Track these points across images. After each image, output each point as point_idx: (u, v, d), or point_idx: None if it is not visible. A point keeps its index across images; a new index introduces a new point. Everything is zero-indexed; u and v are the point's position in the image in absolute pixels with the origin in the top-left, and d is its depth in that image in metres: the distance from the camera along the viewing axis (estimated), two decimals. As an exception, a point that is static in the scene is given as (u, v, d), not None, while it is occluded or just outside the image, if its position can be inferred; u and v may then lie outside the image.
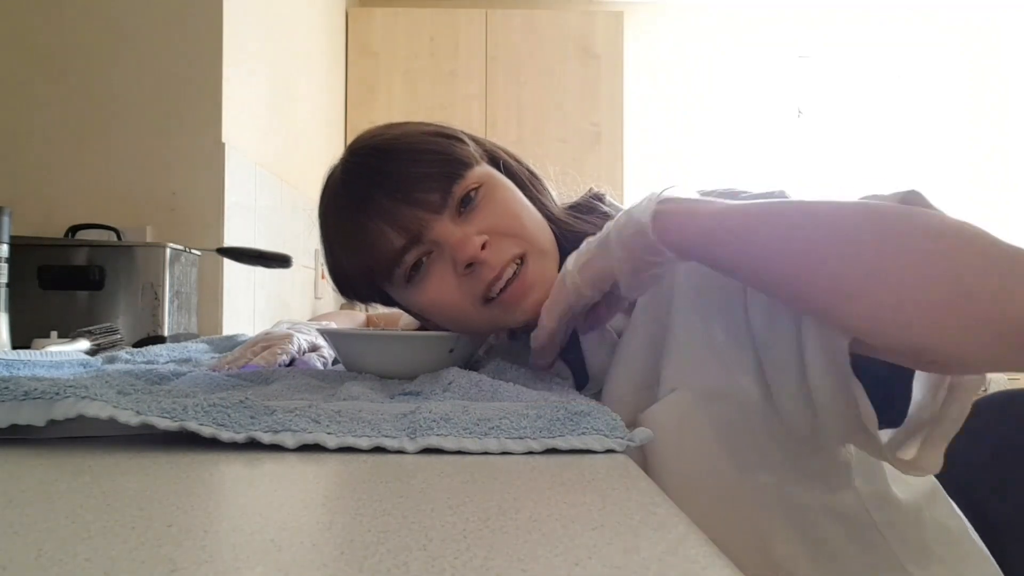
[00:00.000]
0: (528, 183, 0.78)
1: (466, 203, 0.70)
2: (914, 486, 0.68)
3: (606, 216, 0.79)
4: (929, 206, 0.50)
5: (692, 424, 0.66)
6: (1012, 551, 0.83)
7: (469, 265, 0.68)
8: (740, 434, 0.65)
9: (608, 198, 0.83)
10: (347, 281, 0.77)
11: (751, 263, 0.54)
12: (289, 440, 0.41)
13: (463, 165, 0.71)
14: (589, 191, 0.84)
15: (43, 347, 0.82)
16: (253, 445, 0.41)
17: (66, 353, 0.79)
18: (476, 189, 0.71)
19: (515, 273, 0.69)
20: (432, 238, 0.69)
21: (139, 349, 0.89)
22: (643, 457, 0.67)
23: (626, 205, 0.83)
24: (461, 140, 0.74)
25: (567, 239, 0.75)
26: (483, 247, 0.68)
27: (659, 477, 0.65)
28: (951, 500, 0.73)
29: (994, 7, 3.76)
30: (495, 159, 0.77)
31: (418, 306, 0.74)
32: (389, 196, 0.69)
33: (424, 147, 0.72)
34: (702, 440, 0.66)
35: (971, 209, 3.67)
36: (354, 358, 0.72)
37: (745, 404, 0.64)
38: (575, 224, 0.77)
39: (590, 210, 0.80)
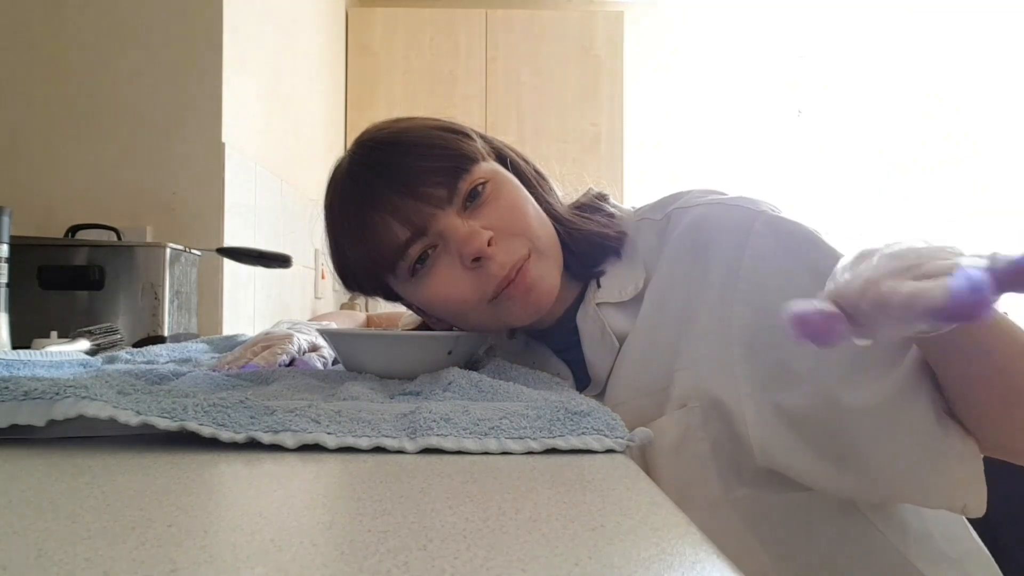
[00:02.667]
0: (534, 182, 0.78)
1: (473, 198, 0.70)
2: None
3: (611, 216, 0.79)
4: None
5: (695, 436, 0.67)
6: (1011, 549, 0.83)
7: (476, 260, 0.68)
8: (725, 450, 0.67)
9: (611, 198, 0.83)
10: (351, 273, 0.77)
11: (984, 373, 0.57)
12: (289, 440, 0.41)
13: (470, 160, 0.71)
14: (589, 191, 0.83)
15: (43, 347, 0.82)
16: (253, 445, 0.41)
17: (66, 353, 0.79)
18: (483, 184, 0.71)
19: (517, 271, 0.69)
20: (437, 232, 0.69)
21: (139, 349, 0.89)
22: (644, 464, 0.68)
23: (626, 205, 0.83)
24: (469, 136, 0.74)
25: (572, 238, 0.75)
26: (489, 243, 0.68)
27: (657, 484, 0.66)
28: None
29: (994, 6, 3.76)
30: (502, 157, 0.77)
31: (421, 300, 0.74)
32: (395, 189, 0.69)
33: (431, 141, 0.71)
34: (699, 453, 0.68)
35: (972, 208, 3.67)
36: (354, 358, 0.72)
37: (734, 424, 0.65)
38: (581, 223, 0.77)
39: (595, 210, 0.80)
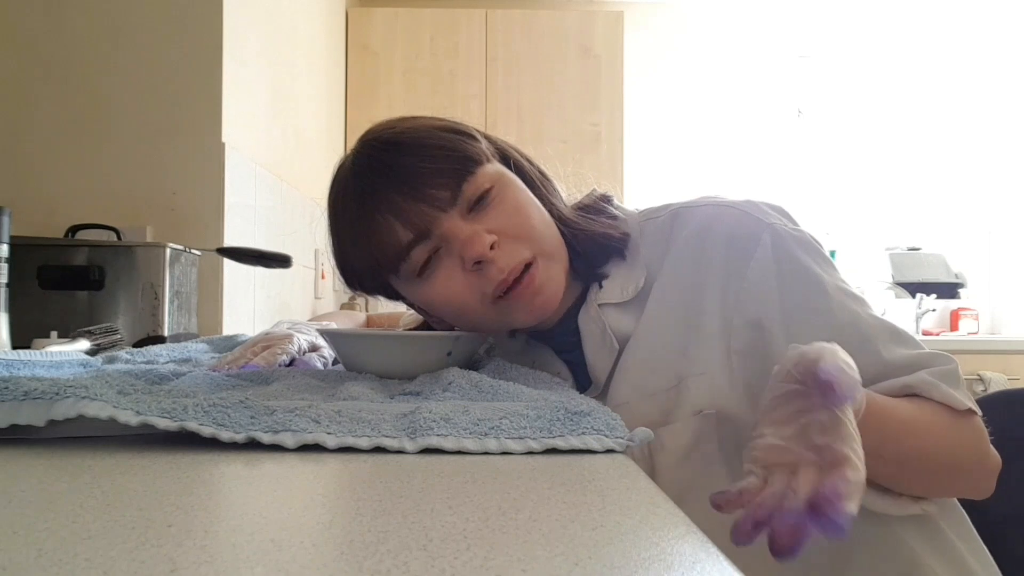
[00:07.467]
0: (539, 183, 0.78)
1: (479, 201, 0.70)
2: None
3: (615, 218, 0.79)
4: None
5: (707, 439, 0.68)
6: (1011, 547, 0.83)
7: (477, 263, 0.68)
8: (736, 448, 0.68)
9: (615, 199, 0.83)
10: (353, 273, 0.77)
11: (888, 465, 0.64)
12: (289, 440, 0.41)
13: (473, 162, 0.71)
14: (592, 192, 0.83)
15: (43, 347, 0.82)
16: (253, 445, 0.41)
17: (66, 353, 0.79)
18: (488, 189, 0.71)
19: (523, 273, 0.69)
20: (440, 234, 0.69)
21: (139, 349, 0.89)
22: (651, 466, 0.69)
23: (628, 206, 0.83)
24: (473, 137, 0.74)
25: (576, 239, 0.75)
26: (492, 247, 0.68)
27: (663, 484, 0.68)
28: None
29: (993, 6, 3.76)
30: (506, 158, 0.77)
31: (423, 301, 0.74)
32: (398, 190, 0.69)
33: (435, 143, 0.71)
34: (709, 453, 0.68)
35: (971, 208, 3.67)
36: (354, 358, 0.72)
37: (744, 428, 0.66)
38: (584, 225, 0.77)
39: (598, 211, 0.80)
